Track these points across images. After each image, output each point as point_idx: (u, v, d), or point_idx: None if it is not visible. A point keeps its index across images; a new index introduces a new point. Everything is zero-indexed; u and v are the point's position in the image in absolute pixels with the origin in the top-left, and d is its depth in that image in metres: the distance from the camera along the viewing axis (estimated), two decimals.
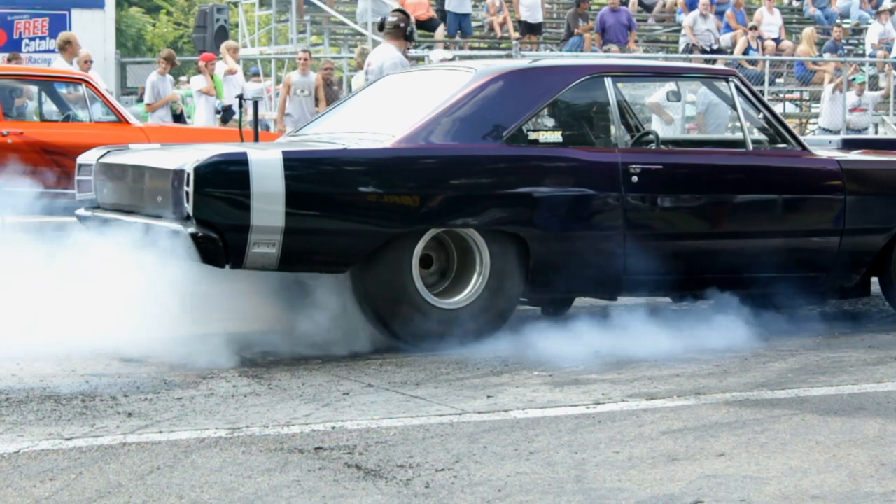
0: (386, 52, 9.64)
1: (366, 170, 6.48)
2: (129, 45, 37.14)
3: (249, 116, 9.83)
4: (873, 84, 20.59)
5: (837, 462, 4.53)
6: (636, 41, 21.12)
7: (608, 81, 7.11)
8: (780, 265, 7.26)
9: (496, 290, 6.65)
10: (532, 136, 6.86)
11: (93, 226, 7.14)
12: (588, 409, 5.33)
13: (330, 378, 5.89)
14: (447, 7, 20.45)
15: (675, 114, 17.80)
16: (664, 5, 23.23)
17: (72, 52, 14.03)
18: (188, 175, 6.12)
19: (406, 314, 6.48)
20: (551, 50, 20.73)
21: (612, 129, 7.20)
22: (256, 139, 10.52)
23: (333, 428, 4.94)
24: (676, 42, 22.04)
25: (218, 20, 18.56)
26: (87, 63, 14.87)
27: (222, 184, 6.17)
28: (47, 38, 17.23)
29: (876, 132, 20.05)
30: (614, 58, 17.26)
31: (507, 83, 6.91)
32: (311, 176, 6.34)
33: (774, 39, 21.27)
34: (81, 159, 7.55)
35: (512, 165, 6.74)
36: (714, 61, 19.20)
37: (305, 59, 16.64)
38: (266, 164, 6.18)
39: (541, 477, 4.31)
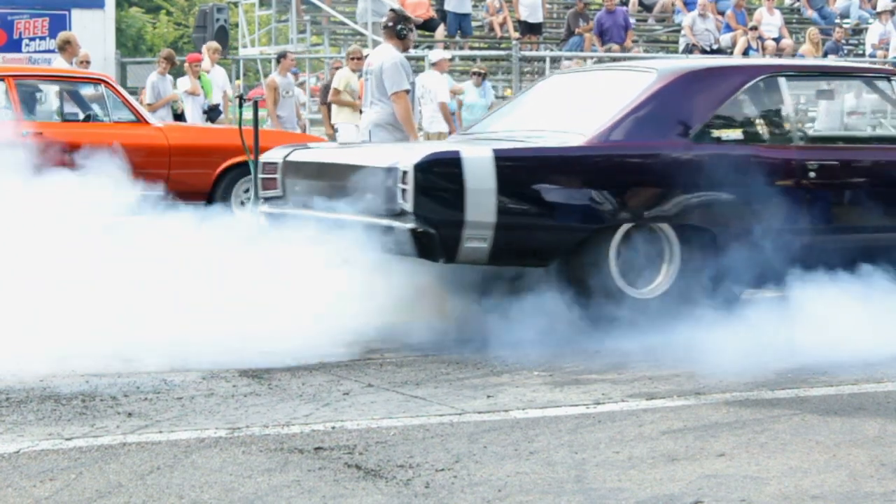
0: (385, 52, 9.63)
1: (571, 167, 6.76)
2: (129, 45, 37.14)
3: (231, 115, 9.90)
4: None
5: (837, 462, 4.53)
6: (635, 41, 21.12)
7: (782, 81, 7.38)
8: None
9: (684, 281, 6.87)
10: (714, 133, 7.14)
11: (283, 222, 7.26)
12: (588, 409, 5.34)
13: (330, 378, 5.89)
14: (447, 7, 20.45)
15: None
16: (664, 6, 23.23)
17: (71, 51, 14.02)
18: (406, 173, 6.38)
19: (602, 303, 6.68)
20: (551, 49, 20.74)
21: (788, 127, 7.47)
22: (256, 138, 10.57)
23: (333, 428, 4.94)
24: (676, 42, 22.04)
25: (218, 20, 18.56)
26: (86, 63, 14.87)
27: (439, 181, 6.45)
28: (47, 38, 17.23)
29: None
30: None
31: (690, 83, 7.23)
32: (520, 173, 6.65)
33: (774, 39, 21.28)
34: (266, 158, 7.79)
35: (700, 162, 6.94)
36: None
37: (290, 60, 16.68)
38: (478, 162, 6.46)
39: (541, 477, 4.31)
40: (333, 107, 15.74)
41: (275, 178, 7.60)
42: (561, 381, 5.88)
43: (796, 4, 24.79)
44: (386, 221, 6.53)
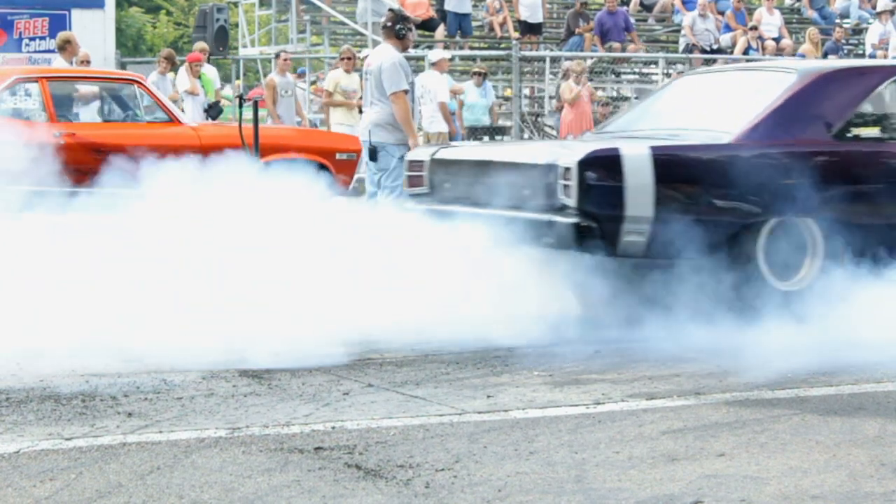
0: (384, 52, 9.63)
1: (723, 164, 6.93)
2: (129, 45, 37.12)
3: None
4: None
5: (837, 462, 4.53)
6: (636, 40, 21.13)
7: None
8: None
9: (827, 274, 7.04)
10: (854, 131, 7.38)
11: (434, 218, 7.45)
12: (588, 409, 5.33)
13: (330, 378, 5.89)
14: (447, 7, 20.44)
15: None
16: (664, 6, 23.24)
17: (71, 51, 14.02)
18: (569, 170, 6.66)
19: (750, 295, 6.90)
20: (551, 49, 20.74)
21: None
22: (256, 138, 10.58)
23: (333, 428, 4.94)
24: (676, 42, 22.05)
25: (218, 20, 18.53)
26: (85, 63, 14.86)
27: (601, 177, 6.72)
28: (47, 38, 17.22)
29: None
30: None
31: (830, 83, 7.51)
32: (675, 169, 6.93)
33: (774, 39, 21.28)
34: (412, 156, 8.14)
35: (844, 160, 7.28)
36: (714, 61, 19.21)
37: (286, 60, 16.71)
38: (637, 159, 6.74)
39: (541, 477, 4.31)
40: (330, 108, 15.79)
41: (421, 176, 7.91)
42: (561, 381, 5.88)
43: (796, 4, 24.80)
44: (545, 216, 6.81)
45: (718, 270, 6.86)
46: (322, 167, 11.83)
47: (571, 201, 6.67)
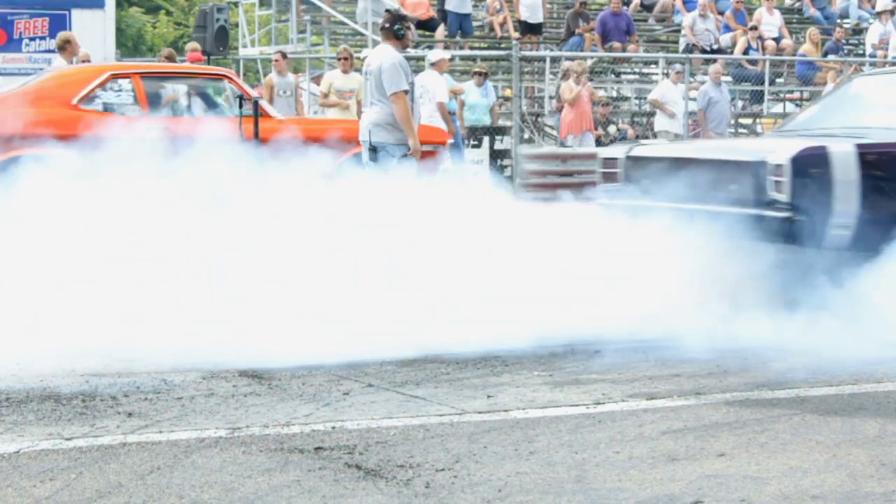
0: (384, 52, 9.63)
1: None
2: (129, 45, 37.09)
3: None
4: None
5: (837, 462, 4.53)
6: (636, 42, 21.12)
7: None
8: None
9: None
10: None
11: (628, 213, 7.74)
12: (588, 409, 5.33)
13: (330, 378, 5.89)
14: (447, 7, 20.44)
15: (676, 109, 17.89)
16: (664, 6, 23.23)
17: (71, 51, 14.01)
18: (781, 166, 6.95)
19: None
20: (551, 49, 20.73)
21: None
22: (256, 138, 10.57)
23: (333, 428, 4.94)
24: (676, 42, 22.05)
25: (218, 20, 18.51)
26: (85, 63, 14.86)
27: (811, 174, 7.01)
28: (47, 38, 17.21)
29: None
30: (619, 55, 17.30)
31: None
32: (879, 166, 7.18)
33: (774, 39, 21.28)
34: (605, 153, 8.52)
35: None
36: (714, 61, 19.22)
37: (278, 61, 16.72)
38: (844, 156, 7.06)
39: (541, 477, 4.31)
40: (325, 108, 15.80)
41: (616, 172, 8.24)
42: (561, 381, 5.88)
43: (797, 4, 24.80)
44: (755, 211, 7.08)
45: None
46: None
47: (783, 197, 6.97)
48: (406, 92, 9.41)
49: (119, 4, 29.30)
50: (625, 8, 21.68)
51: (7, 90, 11.85)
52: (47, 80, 11.85)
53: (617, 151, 8.45)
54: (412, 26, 9.92)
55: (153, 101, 12.03)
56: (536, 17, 21.00)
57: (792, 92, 21.83)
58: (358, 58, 15.83)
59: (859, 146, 7.15)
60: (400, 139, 9.44)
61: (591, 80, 18.72)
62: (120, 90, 11.76)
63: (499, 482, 4.24)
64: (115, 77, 11.77)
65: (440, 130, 13.24)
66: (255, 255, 6.89)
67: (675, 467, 4.44)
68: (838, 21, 23.37)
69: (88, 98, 11.46)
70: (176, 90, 12.81)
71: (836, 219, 6.98)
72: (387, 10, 10.23)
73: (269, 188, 7.50)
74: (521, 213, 8.13)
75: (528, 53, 20.05)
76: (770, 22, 21.55)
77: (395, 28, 9.60)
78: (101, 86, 11.61)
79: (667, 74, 18.66)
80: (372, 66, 9.65)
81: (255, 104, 11.12)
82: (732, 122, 19.66)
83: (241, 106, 11.74)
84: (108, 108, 11.53)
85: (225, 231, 7.07)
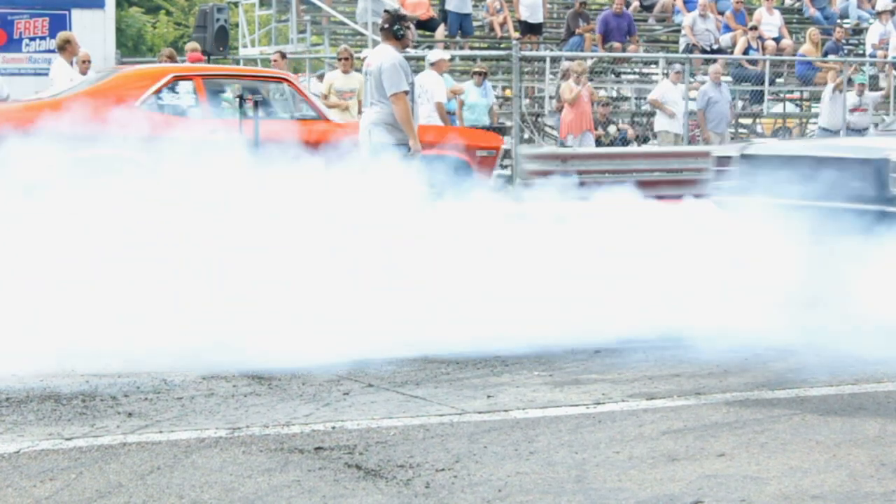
0: (384, 53, 9.63)
1: None
2: (129, 45, 37.09)
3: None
4: (874, 84, 20.59)
5: (837, 462, 4.53)
6: (636, 42, 21.12)
7: None
8: None
9: None
10: None
11: (742, 210, 8.11)
12: (588, 409, 5.33)
13: (330, 378, 5.89)
14: (448, 7, 20.44)
15: (676, 109, 17.89)
16: (664, 6, 23.23)
17: (71, 51, 14.01)
18: None
19: None
20: (551, 50, 20.73)
21: None
22: (257, 137, 10.57)
23: (333, 428, 4.94)
24: (676, 42, 22.05)
25: (218, 20, 18.51)
26: (85, 63, 14.86)
27: None
28: (47, 38, 17.21)
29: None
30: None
31: None
32: None
33: (774, 39, 21.28)
34: (720, 152, 8.92)
35: None
36: (714, 61, 19.22)
37: (276, 61, 16.74)
38: None
39: (541, 477, 4.31)
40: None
41: (729, 171, 8.60)
42: (561, 381, 5.88)
43: (797, 4, 24.79)
44: (875, 207, 7.54)
45: None
46: (464, 164, 11.99)
47: None
48: (406, 93, 9.41)
49: (119, 4, 29.28)
50: (627, 11, 21.69)
51: (70, 90, 11.90)
52: (110, 81, 11.91)
53: (731, 150, 8.77)
54: (412, 26, 9.92)
55: (214, 102, 12.19)
56: (536, 17, 21.00)
57: (792, 92, 21.83)
58: (358, 58, 15.83)
59: None
60: (401, 139, 9.44)
61: (591, 80, 18.72)
62: (182, 92, 11.91)
63: (499, 482, 4.25)
64: (178, 79, 11.91)
65: (495, 135, 13.43)
66: (254, 255, 6.89)
67: (675, 467, 4.44)
68: (838, 21, 23.36)
69: (151, 99, 11.57)
70: (236, 92, 12.97)
71: None
72: (386, 11, 10.22)
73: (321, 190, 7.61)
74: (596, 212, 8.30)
75: (528, 53, 20.04)
76: (770, 22, 21.55)
77: (394, 28, 9.60)
78: (164, 87, 11.75)
79: (666, 74, 18.66)
80: (372, 66, 9.65)
81: (255, 104, 11.12)
82: (733, 122, 19.66)
83: (241, 106, 11.74)
84: (170, 110, 11.64)
85: (224, 231, 7.08)
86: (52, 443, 4.67)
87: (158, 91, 11.60)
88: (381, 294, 6.79)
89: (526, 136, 18.24)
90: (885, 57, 21.08)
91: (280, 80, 12.72)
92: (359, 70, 15.53)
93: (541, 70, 20.32)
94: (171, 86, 11.78)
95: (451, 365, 6.21)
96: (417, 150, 9.42)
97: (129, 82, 11.69)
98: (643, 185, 10.46)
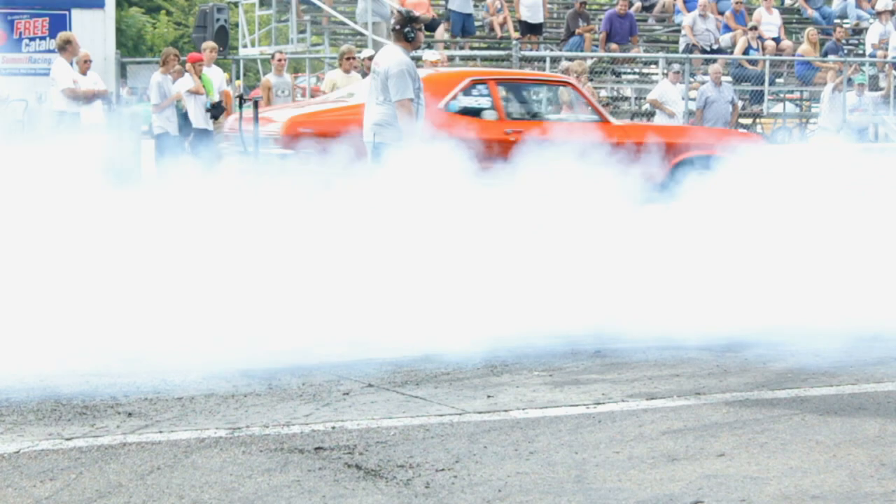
0: (393, 55, 9.65)
1: None
2: (129, 45, 37.10)
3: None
4: (873, 84, 20.59)
5: (837, 462, 4.53)
6: (636, 42, 21.12)
7: None
8: None
9: None
10: None
11: None
12: (588, 409, 5.33)
13: (330, 378, 5.89)
14: (450, 7, 20.46)
15: (675, 109, 17.89)
16: (664, 5, 23.23)
17: (72, 51, 14.03)
18: None
19: None
20: (551, 50, 20.73)
21: None
22: (256, 137, 10.57)
23: (333, 428, 4.94)
24: (676, 42, 22.05)
25: (218, 20, 18.51)
26: (86, 63, 14.87)
27: None
28: (47, 38, 17.21)
29: (876, 132, 20.05)
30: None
31: None
32: None
33: (774, 39, 21.28)
34: None
35: None
36: (714, 61, 19.21)
37: (280, 61, 16.76)
38: None
39: (541, 477, 4.31)
40: None
41: None
42: (561, 381, 5.88)
43: (796, 4, 24.79)
44: None
45: None
46: None
47: None
48: (411, 100, 9.48)
49: (119, 4, 29.28)
50: (630, 12, 21.70)
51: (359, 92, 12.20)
52: None
53: None
54: (422, 27, 9.93)
55: (508, 105, 12.68)
56: (537, 17, 21.00)
57: (792, 92, 21.83)
58: (358, 58, 15.83)
59: None
60: (403, 139, 9.46)
61: (591, 80, 18.71)
62: (480, 95, 12.44)
63: (499, 482, 4.24)
64: (475, 83, 12.43)
65: (749, 135, 13.86)
66: (254, 254, 6.90)
67: (675, 467, 4.44)
68: (837, 21, 23.35)
69: (452, 102, 12.07)
70: (526, 95, 13.50)
71: None
72: (398, 12, 10.23)
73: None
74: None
75: (528, 53, 20.05)
76: (770, 22, 21.56)
77: (405, 31, 9.64)
78: (463, 91, 12.27)
79: (666, 74, 18.67)
80: (380, 66, 9.66)
81: (255, 104, 11.12)
82: (733, 122, 19.65)
83: (241, 105, 11.75)
84: (468, 112, 12.12)
85: (225, 230, 7.08)
86: (52, 443, 4.67)
87: (458, 94, 12.16)
88: (381, 294, 6.80)
89: None
90: (885, 57, 21.08)
91: (564, 83, 13.46)
92: (357, 70, 15.53)
93: (541, 70, 20.31)
94: (468, 89, 12.38)
95: (451, 365, 6.20)
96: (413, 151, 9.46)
97: (431, 86, 11.91)
98: None
